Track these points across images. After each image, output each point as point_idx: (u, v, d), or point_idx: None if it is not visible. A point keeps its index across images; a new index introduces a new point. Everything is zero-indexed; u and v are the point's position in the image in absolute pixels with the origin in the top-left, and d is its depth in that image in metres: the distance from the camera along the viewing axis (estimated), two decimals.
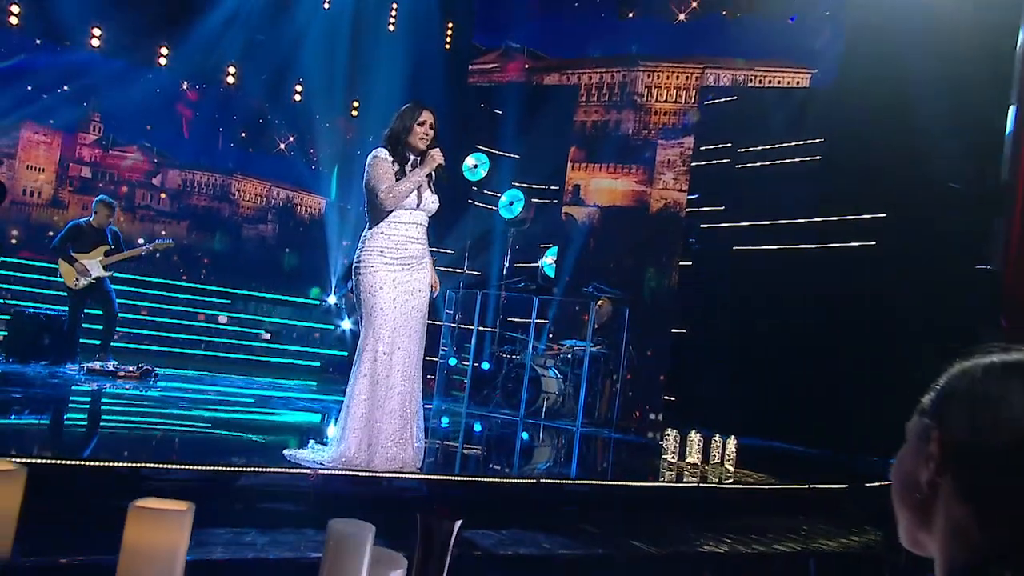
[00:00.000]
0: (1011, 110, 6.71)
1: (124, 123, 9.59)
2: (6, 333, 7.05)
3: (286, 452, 4.27)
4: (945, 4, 7.33)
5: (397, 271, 4.31)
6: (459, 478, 4.71)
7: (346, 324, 9.83)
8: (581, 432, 7.24)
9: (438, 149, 4.32)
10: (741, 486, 5.21)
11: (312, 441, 4.49)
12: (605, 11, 10.55)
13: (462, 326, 8.83)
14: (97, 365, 6.57)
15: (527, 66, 10.87)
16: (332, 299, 10.46)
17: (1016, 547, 0.99)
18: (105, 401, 5.92)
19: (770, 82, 9.72)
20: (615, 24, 10.43)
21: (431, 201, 4.39)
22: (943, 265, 6.93)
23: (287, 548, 2.97)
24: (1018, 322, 6.22)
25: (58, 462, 3.36)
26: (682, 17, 10.16)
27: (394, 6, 11.08)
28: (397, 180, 4.22)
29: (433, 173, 4.42)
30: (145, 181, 9.80)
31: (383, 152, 4.29)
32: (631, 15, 10.41)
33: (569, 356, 8.15)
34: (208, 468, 3.59)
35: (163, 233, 9.16)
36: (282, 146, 10.86)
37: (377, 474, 3.97)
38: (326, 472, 3.95)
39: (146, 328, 9.05)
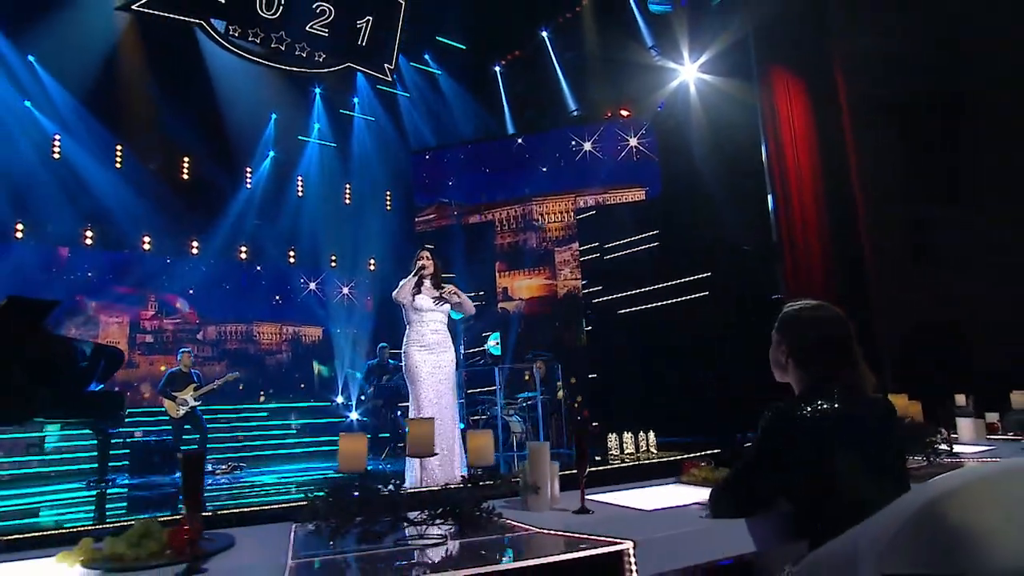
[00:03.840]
0: (769, 197, 7.51)
1: (172, 298, 10.10)
2: (128, 462, 7.37)
3: None
4: (713, 130, 8.10)
5: (427, 354, 4.88)
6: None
7: (353, 415, 10.04)
8: None
9: (427, 266, 5.06)
10: (664, 459, 5.65)
11: None
12: (505, 168, 11.13)
13: None
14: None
15: (455, 212, 11.26)
16: (339, 399, 10.70)
17: (818, 378, 1.53)
18: (216, 489, 6.35)
19: (619, 199, 10.37)
20: (513, 176, 11.10)
21: (440, 307, 5.04)
22: (748, 300, 7.63)
23: None
24: None
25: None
26: (560, 162, 10.72)
27: (347, 186, 11.94)
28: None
29: (444, 293, 5.15)
30: (192, 336, 10.27)
31: (405, 279, 5.07)
32: (522, 169, 11.03)
33: (524, 405, 8.33)
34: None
35: (210, 374, 9.07)
36: (305, 292, 11.18)
37: (434, 488, 4.28)
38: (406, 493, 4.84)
39: (221, 441, 9.20)
